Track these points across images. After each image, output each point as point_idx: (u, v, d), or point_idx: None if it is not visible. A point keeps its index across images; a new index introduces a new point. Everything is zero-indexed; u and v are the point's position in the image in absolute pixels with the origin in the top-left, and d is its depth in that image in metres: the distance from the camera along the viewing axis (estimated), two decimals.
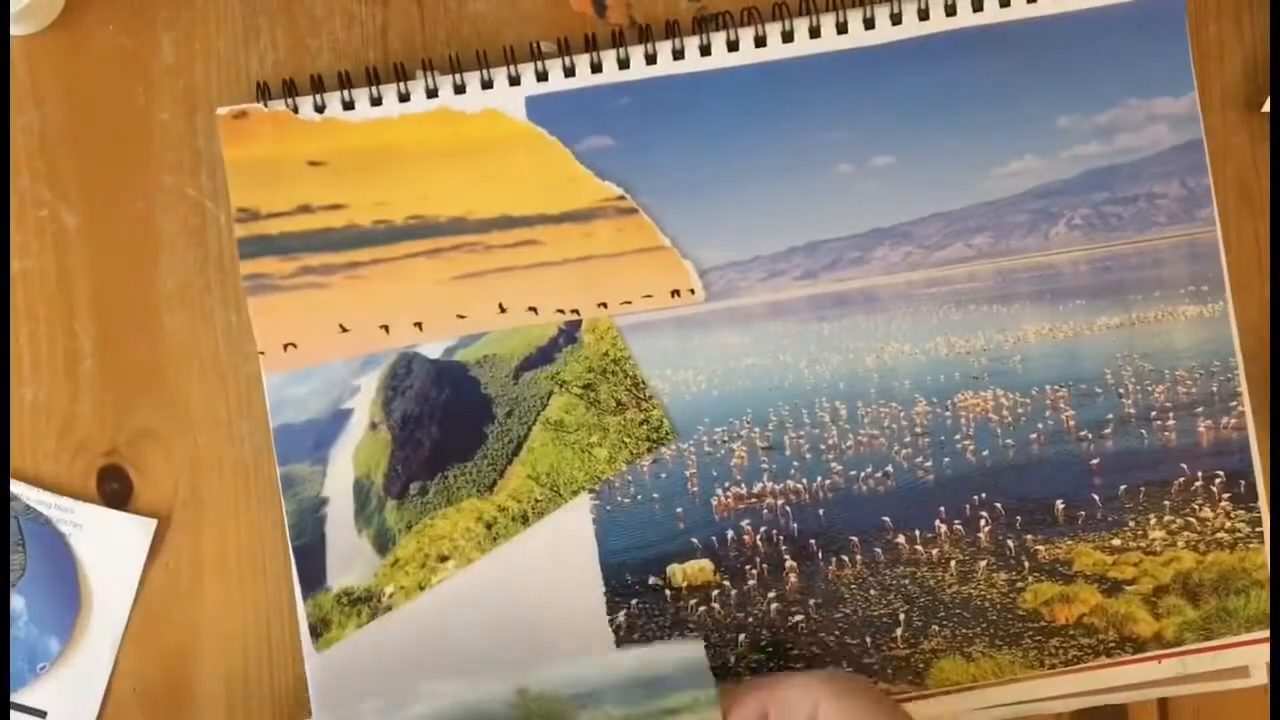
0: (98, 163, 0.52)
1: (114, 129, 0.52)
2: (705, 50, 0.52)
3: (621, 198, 0.51)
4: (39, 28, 0.52)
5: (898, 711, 0.44)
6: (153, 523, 0.52)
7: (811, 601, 0.51)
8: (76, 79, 0.52)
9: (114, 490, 0.52)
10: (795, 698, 0.44)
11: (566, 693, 0.45)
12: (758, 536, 0.51)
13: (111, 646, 0.51)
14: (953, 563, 0.51)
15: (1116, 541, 0.51)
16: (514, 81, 0.51)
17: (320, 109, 0.51)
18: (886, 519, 0.52)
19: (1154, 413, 0.52)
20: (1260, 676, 0.52)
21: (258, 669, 0.52)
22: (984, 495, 0.52)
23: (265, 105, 0.51)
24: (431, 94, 0.51)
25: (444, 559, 0.51)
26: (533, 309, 0.52)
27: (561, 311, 0.52)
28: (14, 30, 0.51)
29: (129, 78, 0.52)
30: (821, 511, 0.52)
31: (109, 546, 0.52)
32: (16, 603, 0.51)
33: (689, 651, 0.46)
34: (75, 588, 0.51)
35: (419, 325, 0.51)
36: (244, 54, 0.53)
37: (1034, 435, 0.52)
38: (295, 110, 0.51)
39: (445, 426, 0.51)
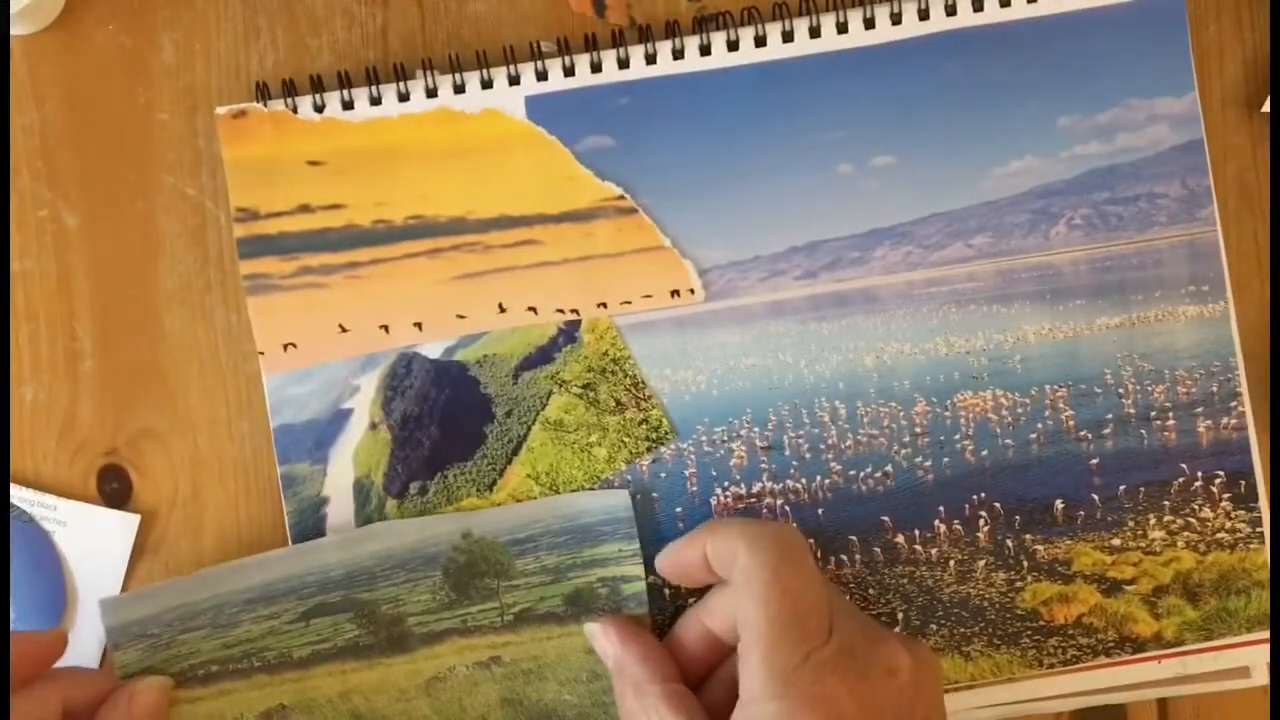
0: (98, 163, 0.52)
1: (114, 129, 0.52)
2: (705, 50, 0.52)
3: (621, 197, 0.51)
4: (39, 28, 0.52)
5: (806, 566, 0.45)
6: (136, 518, 0.52)
7: None
8: (76, 79, 0.52)
9: (114, 490, 0.52)
10: (723, 547, 0.45)
11: (504, 539, 0.50)
12: None
13: (99, 643, 0.52)
14: (952, 562, 0.51)
15: (1116, 541, 0.51)
16: (514, 81, 0.51)
17: (319, 109, 0.51)
18: (885, 518, 0.52)
19: (1154, 413, 0.52)
20: (1260, 677, 0.52)
21: None
22: (983, 495, 0.52)
23: (264, 105, 0.51)
24: (431, 94, 0.51)
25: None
26: (532, 309, 0.52)
27: (561, 311, 0.52)
28: (14, 30, 0.51)
29: (129, 78, 0.52)
30: (820, 511, 0.52)
31: (94, 543, 0.52)
32: None
33: (616, 502, 0.50)
34: (61, 585, 0.52)
35: (419, 325, 0.52)
36: (244, 54, 0.53)
37: (1033, 435, 0.52)
38: (294, 110, 0.51)
39: (445, 426, 0.52)
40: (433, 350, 0.52)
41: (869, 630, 0.45)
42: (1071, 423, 0.52)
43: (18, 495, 0.52)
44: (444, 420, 0.52)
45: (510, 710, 0.50)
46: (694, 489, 0.52)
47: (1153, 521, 0.52)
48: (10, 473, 0.52)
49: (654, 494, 0.51)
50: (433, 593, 0.50)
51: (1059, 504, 0.52)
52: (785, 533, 0.45)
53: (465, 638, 0.50)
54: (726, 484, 0.52)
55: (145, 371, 0.52)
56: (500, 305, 0.51)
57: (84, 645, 0.51)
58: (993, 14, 0.52)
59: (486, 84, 0.51)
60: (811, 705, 0.42)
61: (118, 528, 0.52)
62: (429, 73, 0.52)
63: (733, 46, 0.52)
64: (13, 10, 0.50)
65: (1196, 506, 0.52)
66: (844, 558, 0.51)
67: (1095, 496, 0.52)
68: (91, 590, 0.52)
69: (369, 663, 0.50)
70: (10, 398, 0.52)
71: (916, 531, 0.52)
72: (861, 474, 0.52)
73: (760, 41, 0.51)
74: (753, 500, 0.52)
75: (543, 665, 0.50)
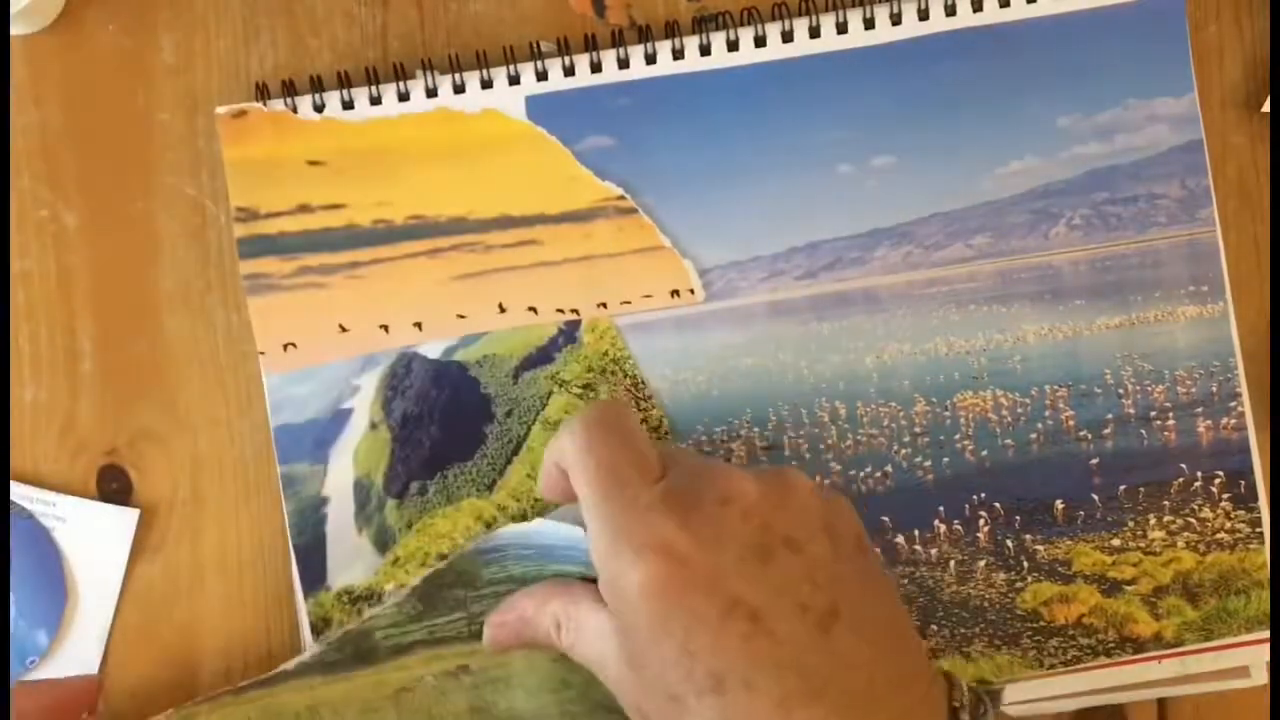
0: (98, 163, 0.52)
1: (114, 129, 0.52)
2: (705, 50, 0.52)
3: (621, 198, 0.51)
4: (39, 28, 0.52)
5: (620, 427, 0.42)
6: (135, 513, 0.52)
7: None
8: (76, 79, 0.52)
9: (114, 490, 0.52)
10: (555, 452, 0.43)
11: (472, 546, 0.49)
12: None
13: (99, 639, 0.51)
14: (952, 562, 0.51)
15: (1116, 542, 0.51)
16: (514, 81, 0.51)
17: (319, 108, 0.51)
18: (885, 519, 0.52)
19: (1154, 413, 0.52)
20: (1260, 677, 0.52)
21: (258, 668, 0.52)
22: (983, 495, 0.52)
23: (264, 105, 0.51)
24: (431, 94, 0.51)
25: (444, 557, 0.51)
26: (532, 309, 0.52)
27: (561, 311, 0.52)
28: (14, 30, 0.51)
29: (129, 78, 0.52)
30: None
31: (94, 539, 0.52)
32: None
33: (577, 535, 0.47)
34: (61, 581, 0.51)
35: (419, 325, 0.52)
36: (244, 54, 0.53)
37: (1033, 435, 0.52)
38: (294, 110, 0.51)
39: (445, 426, 0.52)
40: (433, 350, 0.52)
41: (708, 467, 0.42)
42: (1071, 423, 0.52)
43: (17, 492, 0.52)
44: (444, 420, 0.52)
45: (479, 719, 0.49)
46: None
47: (1153, 522, 0.52)
48: (10, 470, 0.52)
49: None
50: (399, 605, 0.49)
51: (1059, 504, 0.52)
52: (596, 407, 0.43)
53: (432, 648, 0.49)
54: None
55: (145, 371, 0.52)
56: (500, 305, 0.51)
57: (84, 641, 0.51)
58: (993, 14, 0.52)
59: (486, 84, 0.51)
60: (641, 552, 0.39)
61: (117, 523, 0.52)
62: (429, 73, 0.52)
63: (732, 46, 0.52)
64: (13, 10, 0.50)
65: (1196, 507, 0.52)
66: None
67: (1095, 497, 0.52)
68: (91, 587, 0.51)
69: (335, 677, 0.49)
70: (10, 398, 0.52)
71: (916, 532, 0.52)
72: (861, 474, 0.52)
73: (760, 41, 0.52)
74: None
75: (511, 674, 0.49)
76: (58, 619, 0.51)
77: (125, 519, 0.52)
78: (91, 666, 0.52)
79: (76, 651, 0.51)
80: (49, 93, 0.52)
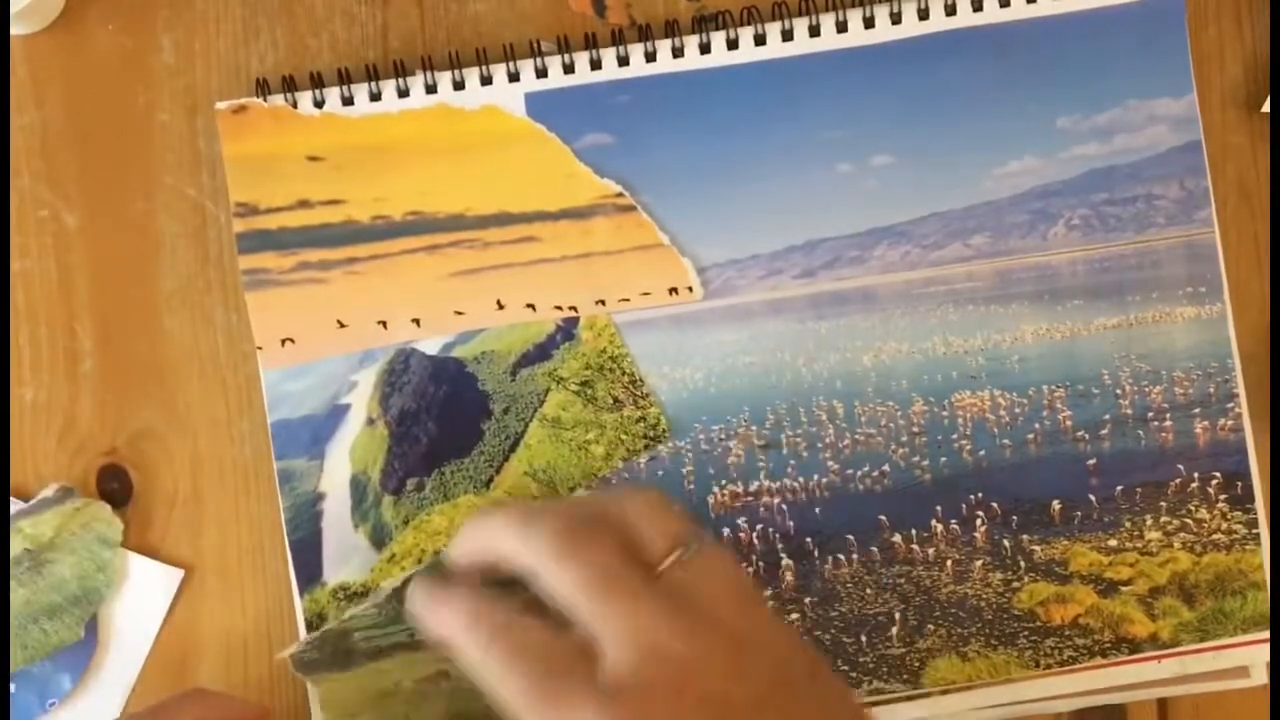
0: (98, 163, 0.52)
1: (114, 129, 0.52)
2: (705, 49, 0.52)
3: (620, 195, 0.51)
4: (39, 28, 0.52)
5: None
6: (179, 573, 0.52)
7: (807, 600, 0.51)
8: (76, 79, 0.53)
9: (114, 490, 0.52)
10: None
11: None
12: (754, 535, 0.52)
13: (124, 691, 0.51)
14: (949, 562, 0.51)
15: (1113, 542, 0.51)
16: (513, 78, 0.52)
17: (319, 104, 0.51)
18: (883, 518, 0.52)
19: (1151, 413, 0.52)
20: (1260, 677, 0.52)
21: (258, 668, 0.52)
22: (980, 495, 0.52)
23: (264, 100, 0.51)
24: (431, 90, 0.51)
25: (437, 553, 0.51)
26: (531, 306, 0.52)
27: (559, 308, 0.52)
28: (14, 30, 0.52)
29: (129, 78, 0.53)
30: (818, 510, 0.52)
31: (132, 592, 0.52)
32: None
33: None
34: (94, 629, 0.51)
35: (417, 321, 0.52)
36: (244, 54, 0.53)
37: (1031, 435, 0.52)
38: (294, 105, 0.51)
39: (442, 423, 0.52)
40: (431, 346, 0.52)
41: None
42: (1069, 423, 0.52)
43: None
44: (441, 416, 0.52)
45: None
46: (691, 487, 0.52)
47: (1149, 522, 0.51)
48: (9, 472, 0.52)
49: None
50: (378, 607, 0.49)
51: (1056, 504, 0.52)
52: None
53: (412, 652, 0.49)
54: (724, 482, 0.52)
55: (145, 371, 0.52)
56: (499, 302, 0.52)
57: (108, 691, 0.51)
58: (992, 14, 0.52)
59: (486, 81, 0.51)
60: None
61: (158, 580, 0.52)
62: (429, 70, 0.52)
63: (732, 45, 0.52)
64: (13, 10, 0.50)
65: (1193, 507, 0.51)
66: (841, 557, 0.51)
67: (1092, 497, 0.52)
68: (122, 637, 0.51)
69: (315, 678, 0.49)
70: (10, 398, 0.52)
71: (914, 531, 0.51)
72: (859, 473, 0.52)
73: (760, 40, 0.52)
74: (750, 499, 0.52)
75: None
76: (84, 667, 0.51)
77: (168, 577, 0.52)
78: (111, 715, 0.51)
79: (98, 701, 0.51)
80: (49, 93, 0.53)
